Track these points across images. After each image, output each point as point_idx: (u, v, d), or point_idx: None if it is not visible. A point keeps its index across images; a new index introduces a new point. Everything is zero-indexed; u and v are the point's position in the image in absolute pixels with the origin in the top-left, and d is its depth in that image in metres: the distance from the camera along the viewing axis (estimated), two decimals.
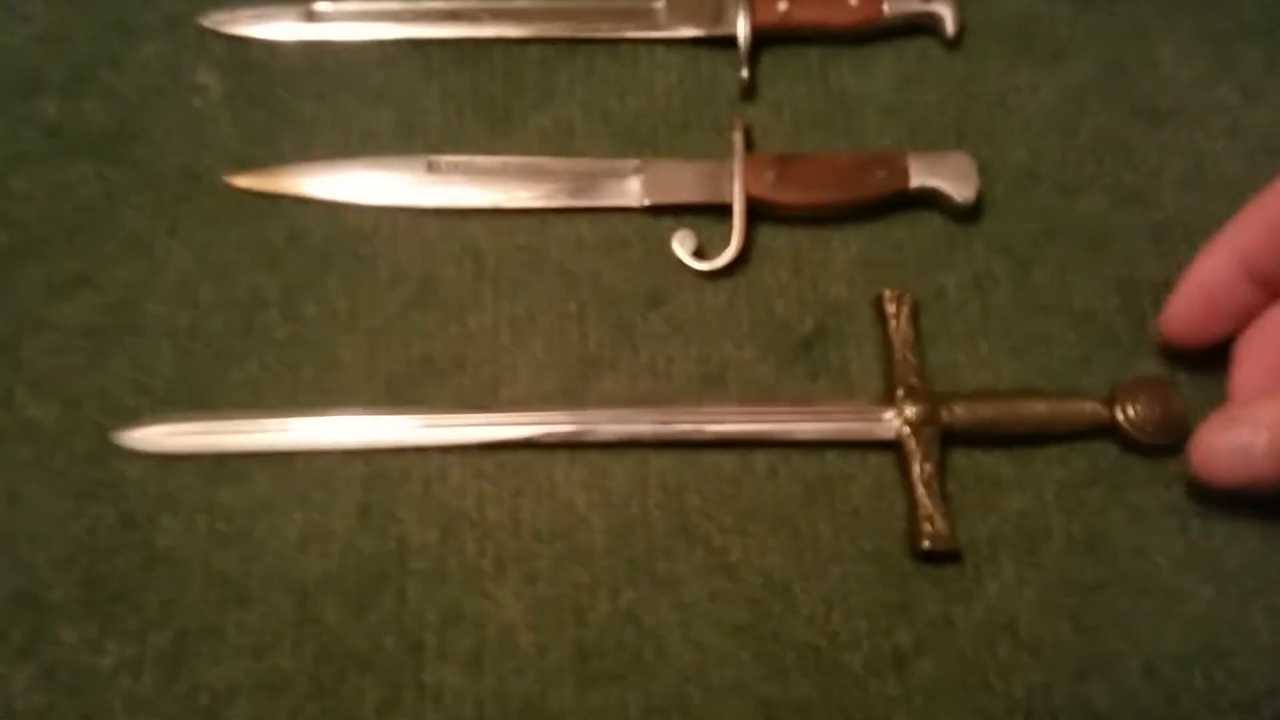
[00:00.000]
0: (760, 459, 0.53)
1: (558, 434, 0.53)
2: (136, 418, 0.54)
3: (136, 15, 0.64)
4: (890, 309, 0.55)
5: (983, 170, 0.60)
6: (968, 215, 0.59)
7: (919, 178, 0.58)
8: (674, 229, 0.58)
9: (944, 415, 0.52)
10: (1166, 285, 0.58)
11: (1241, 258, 0.50)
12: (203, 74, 0.63)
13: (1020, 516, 0.52)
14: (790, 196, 0.58)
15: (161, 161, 0.60)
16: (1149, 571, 0.51)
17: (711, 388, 0.55)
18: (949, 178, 0.58)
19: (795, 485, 0.53)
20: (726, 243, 0.58)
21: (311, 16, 0.64)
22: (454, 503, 0.52)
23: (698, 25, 0.63)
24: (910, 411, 0.52)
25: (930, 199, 0.59)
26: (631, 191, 0.59)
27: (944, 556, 0.51)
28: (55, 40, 0.64)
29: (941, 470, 0.52)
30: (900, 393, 0.53)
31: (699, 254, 0.58)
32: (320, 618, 0.49)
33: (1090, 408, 0.53)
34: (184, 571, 0.50)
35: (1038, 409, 0.53)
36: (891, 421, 0.53)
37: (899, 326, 0.55)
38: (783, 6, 0.63)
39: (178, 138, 0.61)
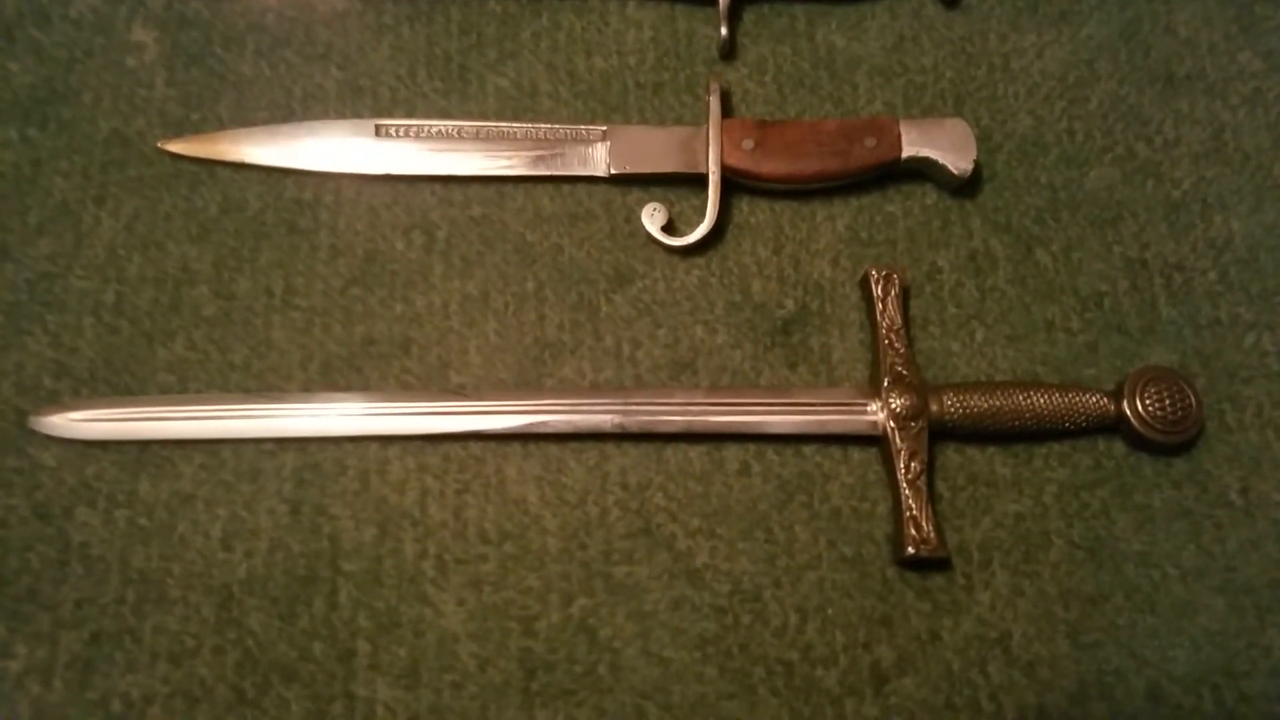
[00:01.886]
0: (732, 454, 0.47)
1: (511, 426, 0.46)
2: (55, 401, 0.47)
3: None
4: (877, 290, 0.48)
5: (982, 139, 0.53)
6: (965, 188, 0.52)
7: (912, 146, 0.51)
8: (643, 201, 0.51)
9: (934, 408, 0.45)
10: (1180, 267, 0.51)
11: None
12: (137, 31, 0.55)
13: (1016, 520, 0.46)
14: (770, 166, 0.51)
15: (91, 125, 0.53)
16: (1156, 582, 0.45)
17: (680, 375, 0.49)
18: (944, 147, 0.51)
19: (769, 483, 0.46)
20: (700, 217, 0.50)
21: None
22: (393, 499, 0.46)
23: None
24: (896, 403, 0.45)
25: (924, 170, 0.52)
26: (597, 159, 0.52)
27: (931, 564, 0.44)
28: None
29: (930, 468, 0.45)
30: (886, 382, 0.46)
31: (670, 229, 0.51)
32: (244, 622, 0.43)
33: (1096, 400, 0.46)
34: (100, 569, 0.44)
35: (1038, 402, 0.46)
36: (876, 414, 0.46)
37: (886, 310, 0.48)
38: None
39: (109, 100, 0.54)
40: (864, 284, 0.49)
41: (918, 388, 0.46)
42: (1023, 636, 0.43)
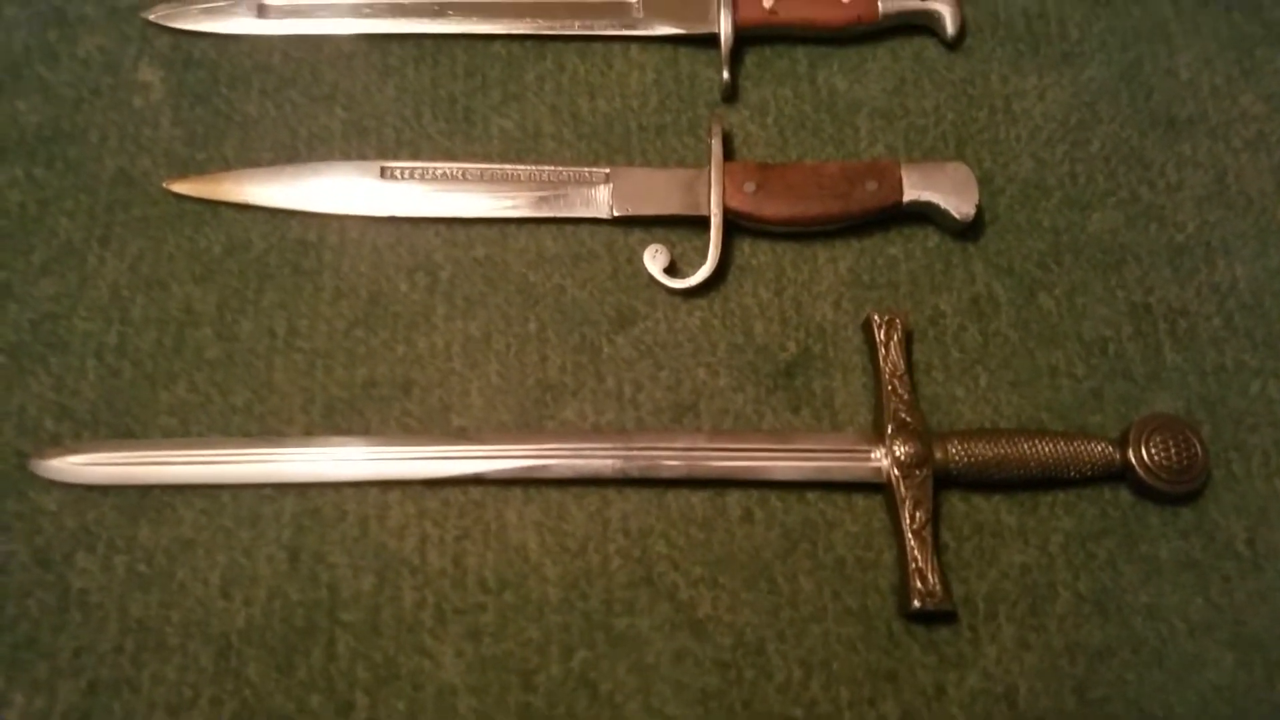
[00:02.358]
0: (734, 500, 0.46)
1: (511, 470, 0.45)
2: (56, 444, 0.46)
3: (77, 7, 0.57)
4: (879, 335, 0.47)
5: (984, 182, 0.52)
6: (967, 232, 0.51)
7: (913, 190, 0.50)
8: (645, 243, 0.50)
9: (938, 455, 0.44)
10: (1185, 312, 0.50)
11: None
12: (145, 71, 0.55)
13: (1022, 571, 0.45)
14: (772, 209, 0.50)
15: (97, 164, 0.53)
16: (1164, 635, 0.43)
17: (682, 418, 0.48)
18: (946, 190, 0.50)
19: (773, 531, 0.45)
20: (702, 258, 0.50)
21: (262, 11, 0.56)
22: (393, 545, 0.45)
23: (676, 22, 0.55)
24: (901, 450, 0.44)
25: (926, 213, 0.51)
26: (600, 201, 0.51)
27: (937, 616, 0.43)
28: None
29: (935, 518, 0.44)
30: (890, 429, 0.45)
31: (672, 270, 0.50)
32: (242, 672, 0.42)
33: (1101, 449, 0.45)
34: (99, 616, 0.43)
35: (1042, 450, 0.45)
36: (880, 461, 0.45)
37: (889, 354, 0.47)
38: (769, 3, 0.54)
39: (115, 139, 0.53)
40: (866, 328, 0.48)
41: (922, 434, 0.45)
42: (1029, 691, 0.42)
